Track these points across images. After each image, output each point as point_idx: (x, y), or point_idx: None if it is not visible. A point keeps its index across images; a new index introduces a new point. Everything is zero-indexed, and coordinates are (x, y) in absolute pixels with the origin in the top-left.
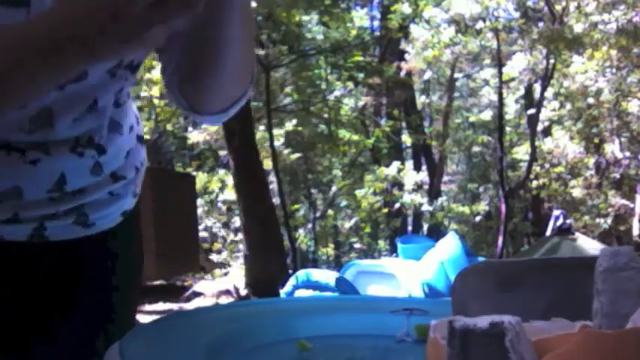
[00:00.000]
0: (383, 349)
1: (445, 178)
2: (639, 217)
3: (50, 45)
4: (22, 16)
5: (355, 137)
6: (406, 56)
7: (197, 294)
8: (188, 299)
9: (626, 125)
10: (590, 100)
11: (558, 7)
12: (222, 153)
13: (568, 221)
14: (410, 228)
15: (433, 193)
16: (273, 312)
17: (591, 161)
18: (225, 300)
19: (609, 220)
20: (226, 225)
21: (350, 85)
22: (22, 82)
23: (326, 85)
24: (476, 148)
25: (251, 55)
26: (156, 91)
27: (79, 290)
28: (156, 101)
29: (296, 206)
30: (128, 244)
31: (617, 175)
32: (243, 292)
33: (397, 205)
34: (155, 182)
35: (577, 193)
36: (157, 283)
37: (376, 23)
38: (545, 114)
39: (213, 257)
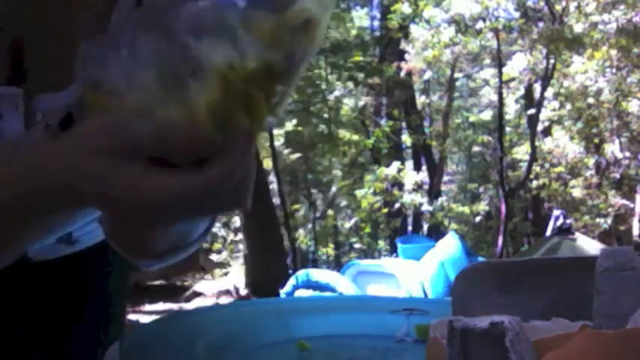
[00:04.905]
0: (383, 349)
1: (445, 178)
2: (639, 217)
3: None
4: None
5: (355, 137)
6: (406, 56)
7: (197, 294)
8: (188, 299)
9: (626, 125)
10: (590, 100)
11: (558, 7)
12: None
13: (568, 221)
14: (410, 228)
15: (433, 193)
16: (273, 312)
17: (591, 161)
18: (225, 300)
19: (609, 220)
20: (226, 225)
21: (350, 85)
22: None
23: (326, 85)
24: (476, 148)
25: None
26: None
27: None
28: None
29: (296, 206)
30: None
31: (617, 175)
32: (243, 292)
33: (397, 205)
34: None
35: (577, 193)
36: (157, 283)
37: (376, 23)
38: (545, 114)
39: (213, 257)
